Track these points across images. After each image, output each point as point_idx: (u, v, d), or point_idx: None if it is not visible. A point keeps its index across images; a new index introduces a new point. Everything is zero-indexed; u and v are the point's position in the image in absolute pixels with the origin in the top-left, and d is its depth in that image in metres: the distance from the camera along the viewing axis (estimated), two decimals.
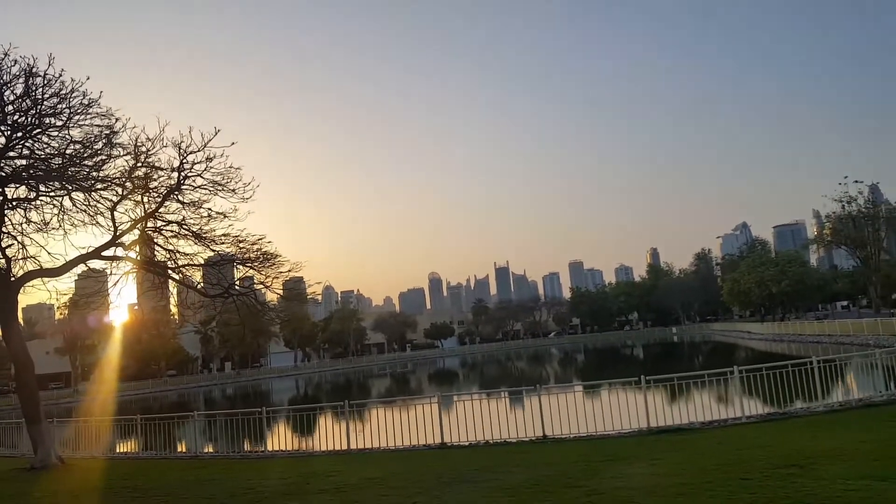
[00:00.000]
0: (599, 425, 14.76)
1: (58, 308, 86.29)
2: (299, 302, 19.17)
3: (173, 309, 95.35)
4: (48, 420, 16.88)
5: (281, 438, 18.16)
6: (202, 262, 18.06)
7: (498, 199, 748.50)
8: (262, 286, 17.96)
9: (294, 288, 20.81)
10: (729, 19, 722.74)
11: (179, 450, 20.88)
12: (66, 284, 22.92)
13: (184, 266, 17.75)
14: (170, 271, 17.69)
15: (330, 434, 17.14)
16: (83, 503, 10.47)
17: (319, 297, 19.61)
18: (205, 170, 16.36)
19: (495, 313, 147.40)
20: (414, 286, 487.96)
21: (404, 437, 15.99)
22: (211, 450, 19.30)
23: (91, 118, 14.37)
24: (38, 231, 17.03)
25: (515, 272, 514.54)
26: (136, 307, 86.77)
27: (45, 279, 17.29)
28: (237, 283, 18.02)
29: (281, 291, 18.10)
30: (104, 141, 14.53)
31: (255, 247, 17.67)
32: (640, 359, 74.34)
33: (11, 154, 14.64)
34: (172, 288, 18.61)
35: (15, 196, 16.49)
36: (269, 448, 17.44)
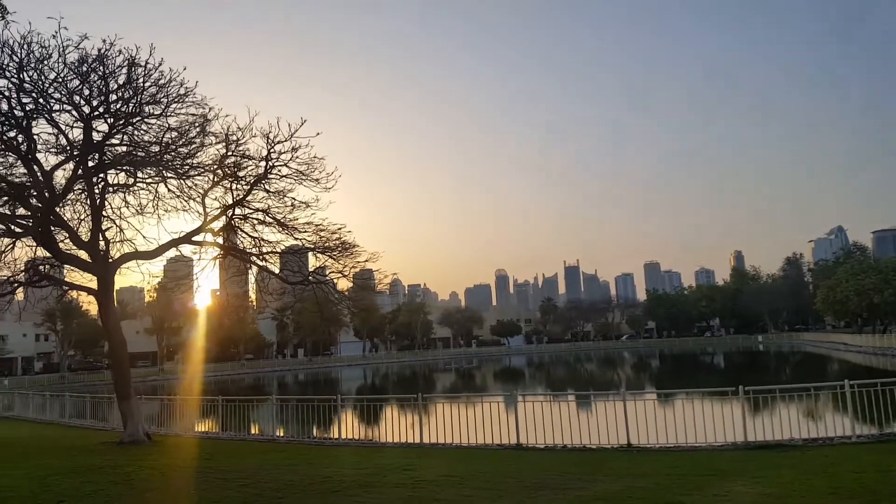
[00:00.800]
0: (689, 436, 13.94)
1: (147, 291, 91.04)
2: (373, 293, 19.13)
3: (252, 295, 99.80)
4: (137, 397, 17.63)
5: (352, 427, 18.32)
6: (284, 249, 18.46)
7: (570, 196, 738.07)
8: (339, 275, 18.11)
9: (366, 278, 20.97)
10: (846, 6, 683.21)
11: (254, 432, 21.49)
12: (156, 267, 24.04)
13: (267, 253, 18.19)
14: (253, 258, 18.11)
15: (400, 426, 17.12)
16: (170, 481, 10.77)
17: (388, 290, 19.63)
18: (290, 159, 16.70)
19: (564, 313, 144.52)
20: (480, 282, 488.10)
21: (477, 435, 15.74)
22: (283, 433, 19.69)
23: (187, 107, 14.87)
24: (134, 215, 17.86)
25: (586, 272, 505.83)
26: (218, 293, 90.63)
27: (140, 261, 18.12)
28: (316, 271, 18.27)
29: (358, 281, 18.25)
30: (199, 129, 14.96)
31: (335, 236, 17.90)
32: (720, 367, 71.18)
33: (113, 141, 15.31)
34: (255, 274, 19.04)
35: (115, 182, 17.34)
36: (342, 436, 17.57)
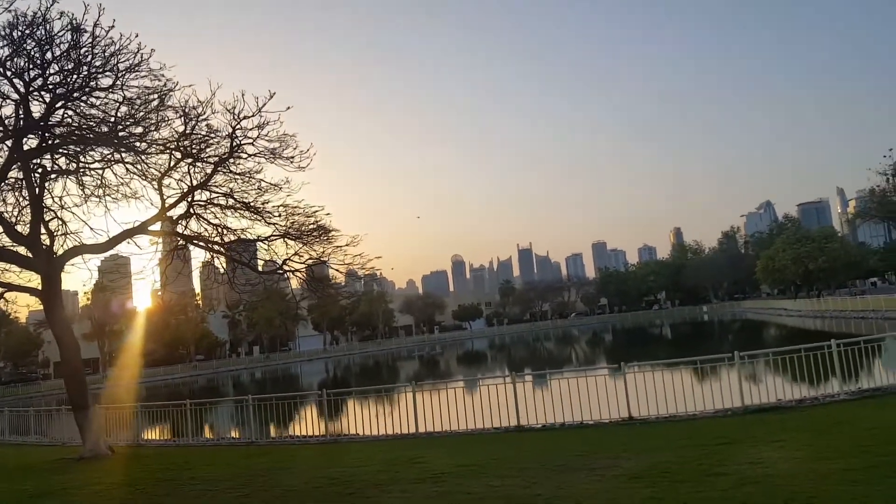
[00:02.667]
0: (682, 405, 13.58)
1: (84, 293, 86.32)
2: (365, 280, 17.78)
3: (198, 291, 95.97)
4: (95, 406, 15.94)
5: (339, 422, 17.05)
6: (254, 237, 16.90)
7: (520, 181, 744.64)
8: (318, 261, 16.72)
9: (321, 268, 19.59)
10: None
11: (234, 435, 19.96)
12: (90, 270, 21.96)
13: (232, 242, 16.65)
14: (219, 247, 16.54)
15: (390, 418, 15.99)
16: (154, 498, 9.38)
17: (374, 275, 18.33)
18: (257, 137, 15.17)
19: (522, 294, 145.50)
20: (437, 269, 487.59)
21: (475, 420, 14.81)
22: (262, 435, 18.26)
23: (140, 78, 13.13)
24: (78, 205, 16.02)
25: (538, 253, 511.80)
26: (159, 292, 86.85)
27: (87, 256, 16.32)
28: (292, 257, 16.74)
29: (341, 267, 16.84)
30: (156, 103, 13.26)
31: (311, 220, 16.49)
32: (674, 338, 72.98)
33: (55, 118, 13.47)
34: (223, 265, 17.37)
35: (55, 167, 15.46)
36: (328, 432, 16.31)
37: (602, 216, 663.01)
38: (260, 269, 18.15)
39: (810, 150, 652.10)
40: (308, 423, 19.71)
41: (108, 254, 18.12)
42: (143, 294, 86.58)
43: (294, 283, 19.50)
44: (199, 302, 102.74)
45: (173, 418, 18.99)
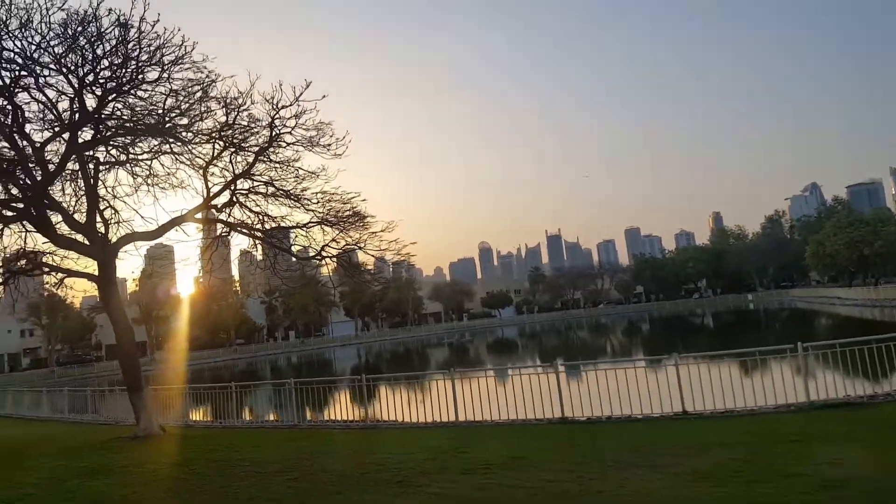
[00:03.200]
0: (740, 400, 13.18)
1: (133, 280, 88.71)
2: (394, 267, 17.87)
3: (237, 277, 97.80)
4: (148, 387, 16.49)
5: (377, 407, 17.27)
6: (293, 224, 17.20)
7: (549, 166, 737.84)
8: (356, 247, 16.94)
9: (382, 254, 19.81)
10: None
11: (271, 418, 20.45)
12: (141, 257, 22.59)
13: (273, 229, 16.99)
14: (260, 233, 16.89)
15: (429, 405, 16.11)
16: (205, 478, 9.70)
17: (408, 261, 18.43)
18: (295, 126, 15.40)
19: (553, 281, 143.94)
20: (464, 256, 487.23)
21: (517, 410, 14.81)
22: (302, 418, 18.63)
23: (184, 70, 13.45)
24: (129, 195, 16.56)
25: (568, 240, 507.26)
26: (201, 279, 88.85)
27: (139, 243, 16.85)
28: (329, 244, 16.98)
29: (376, 253, 17.07)
30: (200, 94, 13.58)
31: (347, 206, 16.72)
32: (718, 328, 71.26)
33: (108, 111, 13.90)
34: (262, 252, 17.76)
35: (107, 158, 15.97)
36: (369, 417, 16.60)
37: (635, 201, 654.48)
38: (299, 255, 18.53)
39: (858, 128, 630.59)
40: (346, 407, 20.06)
41: (155, 242, 18.64)
42: (186, 280, 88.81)
43: (326, 270, 19.84)
44: (238, 288, 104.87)
45: (218, 400, 19.52)
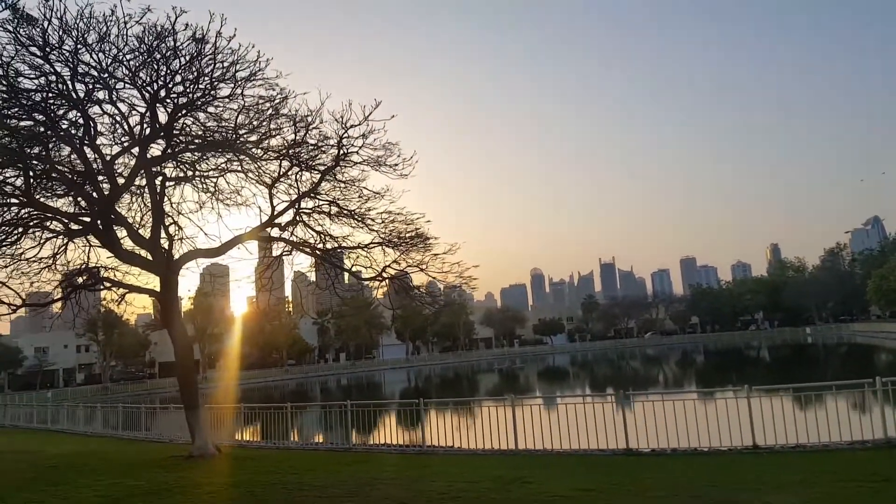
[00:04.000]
0: (814, 434, 12.42)
1: (189, 298, 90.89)
2: (456, 291, 17.37)
3: (290, 298, 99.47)
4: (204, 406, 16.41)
5: (435, 432, 16.76)
6: (354, 244, 17.02)
7: (604, 193, 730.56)
8: (417, 269, 16.63)
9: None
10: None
11: (318, 440, 20.17)
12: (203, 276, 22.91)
13: (337, 248, 16.84)
14: (321, 253, 16.76)
15: (490, 431, 15.50)
16: (266, 501, 9.40)
17: (471, 287, 17.91)
18: (363, 145, 15.29)
19: (607, 309, 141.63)
20: (515, 282, 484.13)
21: (579, 440, 14.11)
22: (357, 441, 18.28)
23: (256, 87, 13.48)
24: (193, 212, 16.70)
25: (622, 269, 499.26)
26: (255, 299, 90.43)
27: (200, 260, 16.94)
28: (391, 265, 16.74)
29: (438, 275, 16.72)
30: (271, 111, 13.58)
31: (410, 227, 16.47)
32: (775, 362, 68.49)
33: (174, 128, 14.04)
34: (325, 271, 17.62)
35: (174, 175, 16.16)
36: (426, 442, 16.09)
37: (691, 231, 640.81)
38: (359, 276, 18.31)
39: None
40: (400, 431, 19.63)
41: (210, 261, 18.76)
42: (240, 300, 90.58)
43: (380, 293, 19.54)
44: (290, 309, 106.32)
45: (273, 421, 19.35)
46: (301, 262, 19.23)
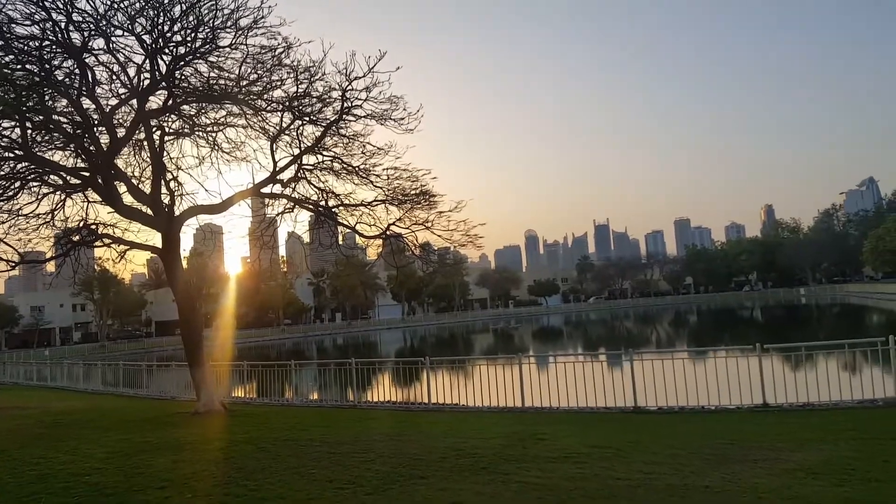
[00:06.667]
0: (824, 394, 12.49)
1: (184, 258, 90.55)
2: (471, 247, 17.10)
3: (285, 258, 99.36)
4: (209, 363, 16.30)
5: (440, 390, 16.74)
6: (357, 201, 16.71)
7: (597, 154, 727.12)
8: (422, 227, 16.36)
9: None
10: None
11: (312, 396, 20.15)
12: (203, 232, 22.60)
13: (340, 206, 16.55)
14: (326, 211, 16.47)
15: (493, 389, 15.51)
16: (276, 458, 9.29)
17: (477, 245, 17.58)
18: (367, 98, 14.85)
19: (602, 270, 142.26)
20: (510, 244, 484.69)
21: (587, 398, 14.15)
22: (362, 398, 18.29)
23: (258, 37, 12.97)
24: (194, 167, 16.35)
25: (616, 230, 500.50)
26: (248, 259, 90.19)
27: (201, 217, 16.65)
28: (396, 223, 16.47)
29: (443, 233, 16.46)
30: (273, 63, 13.10)
31: (416, 184, 16.16)
32: (770, 322, 69.19)
33: (174, 79, 13.55)
34: (332, 229, 17.37)
35: (172, 129, 15.73)
36: (431, 400, 16.08)
37: (685, 192, 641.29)
38: (363, 233, 18.05)
39: None
40: (405, 389, 19.65)
41: (206, 219, 18.41)
42: (234, 260, 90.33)
43: (372, 252, 19.34)
44: (285, 268, 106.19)
45: (276, 378, 19.32)
46: (302, 220, 18.95)
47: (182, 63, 13.10)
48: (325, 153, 15.84)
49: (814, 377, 12.95)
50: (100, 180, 13.75)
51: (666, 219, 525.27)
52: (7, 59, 12.06)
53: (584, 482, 7.22)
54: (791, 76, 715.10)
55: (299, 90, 14.35)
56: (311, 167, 16.12)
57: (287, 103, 14.49)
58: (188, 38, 12.69)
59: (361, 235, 17.17)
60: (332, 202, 16.68)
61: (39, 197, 14.71)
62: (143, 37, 12.45)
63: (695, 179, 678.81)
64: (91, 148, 13.74)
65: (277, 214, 17.29)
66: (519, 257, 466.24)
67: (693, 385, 13.17)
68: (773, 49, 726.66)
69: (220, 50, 13.03)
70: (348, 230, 17.06)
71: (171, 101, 13.80)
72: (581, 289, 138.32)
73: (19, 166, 13.95)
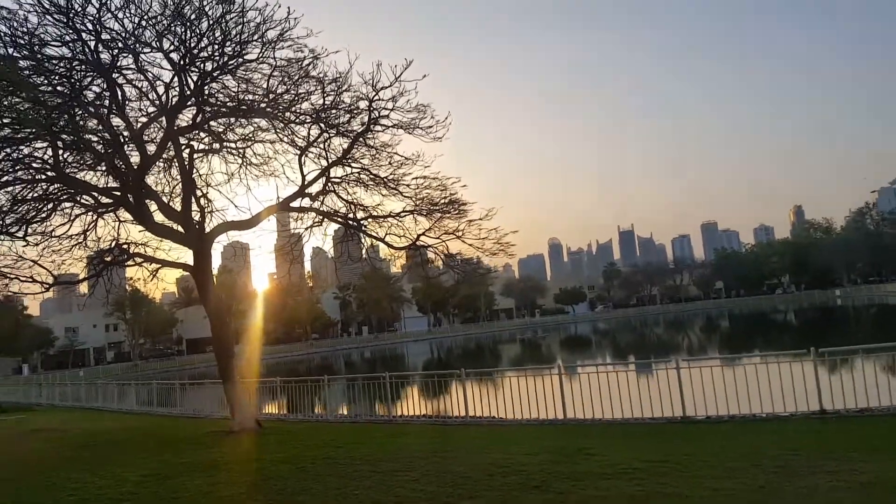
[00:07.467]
0: (893, 398, 11.85)
1: (214, 275, 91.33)
2: (502, 255, 16.68)
3: (309, 272, 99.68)
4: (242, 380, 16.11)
5: (474, 403, 16.31)
6: (386, 213, 16.47)
7: (620, 160, 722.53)
8: (452, 236, 16.05)
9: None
10: None
11: (343, 411, 19.87)
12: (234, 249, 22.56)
13: (371, 217, 16.32)
14: (359, 222, 16.25)
15: (530, 401, 15.03)
16: (317, 478, 9.00)
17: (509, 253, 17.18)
18: (393, 108, 14.63)
19: (629, 277, 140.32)
20: (533, 252, 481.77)
21: (632, 408, 13.62)
22: (398, 413, 17.93)
23: (285, 49, 12.84)
24: (223, 183, 16.28)
25: (641, 235, 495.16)
26: (275, 275, 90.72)
27: (232, 233, 16.58)
28: (426, 233, 16.16)
29: (475, 242, 16.12)
30: (299, 76, 12.95)
31: (445, 194, 15.87)
32: (814, 326, 67.38)
33: (203, 95, 13.47)
34: (362, 241, 17.17)
35: (201, 146, 15.69)
36: (468, 413, 15.67)
37: (711, 196, 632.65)
38: (393, 245, 17.80)
39: None
40: (439, 402, 19.25)
41: (237, 235, 18.33)
42: (261, 276, 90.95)
43: (398, 264, 19.00)
44: (311, 283, 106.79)
45: (307, 394, 19.05)
46: (329, 234, 18.80)
47: (210, 79, 13.02)
48: (352, 165, 15.67)
49: (870, 381, 12.26)
50: (131, 199, 13.71)
51: (692, 223, 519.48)
52: (38, 80, 12.07)
53: (648, 501, 6.80)
54: (816, 73, 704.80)
55: (326, 102, 14.20)
56: (338, 179, 15.94)
57: (315, 115, 14.34)
58: (215, 54, 12.60)
59: (391, 247, 16.92)
60: (360, 214, 16.48)
61: (72, 218, 14.71)
62: (171, 54, 12.40)
63: (721, 182, 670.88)
64: (122, 167, 13.69)
65: (306, 228, 17.13)
66: (543, 266, 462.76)
67: (743, 392, 12.59)
68: (799, 46, 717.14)
69: (248, 64, 12.94)
70: (377, 242, 16.83)
71: (200, 118, 13.71)
72: (608, 296, 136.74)
73: (52, 188, 13.96)
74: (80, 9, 11.64)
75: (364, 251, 20.43)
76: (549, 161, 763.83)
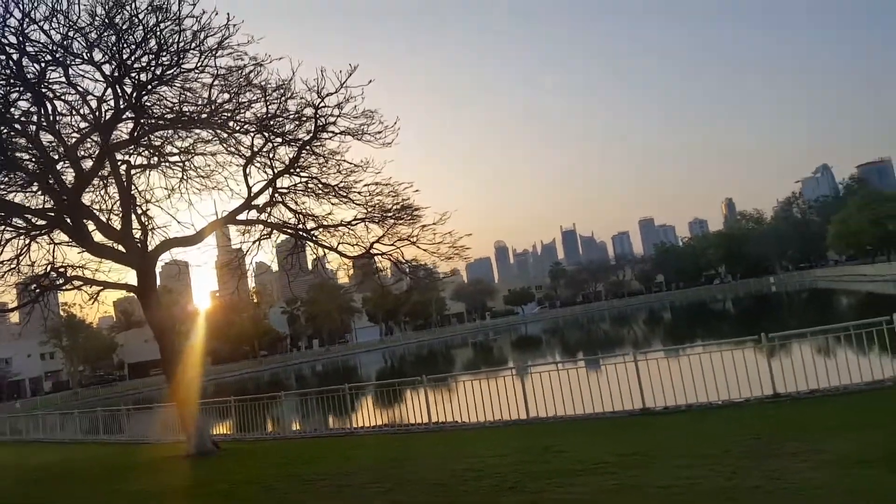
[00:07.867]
0: (833, 379, 12.15)
1: None
2: (458, 259, 16.59)
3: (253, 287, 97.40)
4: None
5: (433, 409, 16.16)
6: (336, 222, 16.17)
7: (559, 162, 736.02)
8: (407, 242, 15.88)
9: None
10: None
11: (298, 427, 19.40)
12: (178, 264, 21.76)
13: (322, 227, 16.00)
14: (309, 233, 15.91)
15: (499, 402, 14.97)
16: (287, 494, 8.72)
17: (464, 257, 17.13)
18: (340, 115, 14.39)
19: (575, 275, 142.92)
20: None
21: (593, 404, 13.74)
22: (359, 425, 17.62)
23: (224, 57, 12.44)
24: (163, 199, 15.68)
25: (583, 234, 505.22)
26: (217, 293, 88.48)
27: (176, 250, 15.96)
28: (380, 240, 15.95)
29: (429, 247, 16.01)
30: (242, 83, 12.58)
31: (397, 199, 15.71)
32: (755, 312, 69.84)
33: (138, 109, 12.92)
34: (312, 252, 16.81)
35: (138, 161, 15.09)
36: (430, 420, 15.53)
37: (647, 192, 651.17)
38: (346, 254, 17.51)
39: (861, 108, 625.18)
40: (398, 411, 19.04)
41: (172, 256, 17.70)
42: (202, 295, 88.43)
43: (343, 276, 18.70)
44: (256, 299, 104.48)
45: (261, 411, 18.52)
46: (275, 247, 18.35)
47: (146, 90, 12.49)
48: (300, 174, 15.33)
49: (819, 363, 12.69)
50: (67, 219, 13.02)
51: (631, 220, 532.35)
52: None
53: (625, 494, 6.83)
54: (738, 68, 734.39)
55: (270, 110, 13.84)
56: (286, 190, 15.57)
57: (259, 124, 13.97)
58: (151, 64, 12.09)
59: (344, 256, 16.63)
60: (310, 224, 16.14)
61: (3, 242, 13.86)
62: (104, 66, 11.85)
63: (656, 179, 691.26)
64: (56, 186, 12.99)
65: (254, 242, 16.64)
66: (490, 269, 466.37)
67: (699, 381, 12.80)
68: (720, 41, 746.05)
69: (186, 73, 12.48)
70: (326, 252, 16.51)
71: (137, 132, 13.14)
72: (555, 295, 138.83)
73: None
74: (0, 20, 11.00)
75: (310, 263, 20.04)
76: (490, 164, 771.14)
